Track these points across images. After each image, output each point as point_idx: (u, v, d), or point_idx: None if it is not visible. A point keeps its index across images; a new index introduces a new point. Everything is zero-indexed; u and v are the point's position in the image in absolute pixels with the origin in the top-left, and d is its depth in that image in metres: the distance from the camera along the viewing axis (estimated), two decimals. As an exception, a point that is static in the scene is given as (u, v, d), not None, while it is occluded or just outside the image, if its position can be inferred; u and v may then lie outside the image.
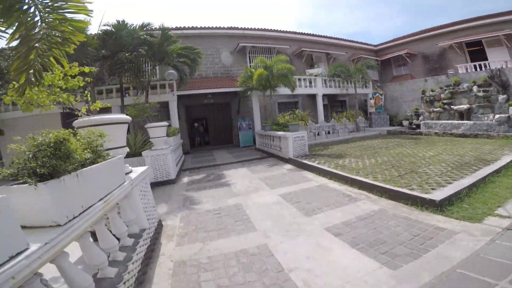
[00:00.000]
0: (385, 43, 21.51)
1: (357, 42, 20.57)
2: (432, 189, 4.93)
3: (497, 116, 12.10)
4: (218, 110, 17.56)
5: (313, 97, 17.16)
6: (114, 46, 9.35)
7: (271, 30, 17.90)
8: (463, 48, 17.24)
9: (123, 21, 9.65)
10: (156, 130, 7.38)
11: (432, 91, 14.79)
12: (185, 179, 8.75)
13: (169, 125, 12.02)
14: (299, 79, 14.27)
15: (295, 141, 9.12)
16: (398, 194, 4.95)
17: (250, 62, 17.08)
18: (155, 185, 7.83)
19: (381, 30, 67.47)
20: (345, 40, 20.11)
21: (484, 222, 3.78)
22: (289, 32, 18.34)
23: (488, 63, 16.03)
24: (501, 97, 12.09)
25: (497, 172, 6.04)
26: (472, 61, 17.09)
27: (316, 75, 15.07)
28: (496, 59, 15.91)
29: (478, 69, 15.81)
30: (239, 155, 12.38)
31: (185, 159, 13.02)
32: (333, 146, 11.21)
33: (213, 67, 17.14)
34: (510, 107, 11.82)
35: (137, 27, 10.09)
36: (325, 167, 7.22)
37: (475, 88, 12.89)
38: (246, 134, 16.07)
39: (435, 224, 3.85)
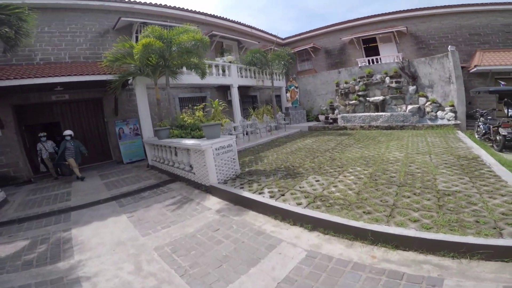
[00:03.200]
0: (292, 36, 20.36)
1: (267, 33, 18.38)
2: None
3: (409, 107, 12.02)
4: (81, 110, 11.36)
5: (223, 90, 13.63)
6: None
7: (173, 8, 13.14)
8: (361, 43, 17.79)
9: None
10: None
11: (346, 83, 13.98)
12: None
13: None
14: (210, 65, 10.34)
15: (218, 155, 5.22)
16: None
17: (139, 45, 11.94)
18: None
19: (281, 32, 74.30)
20: (258, 29, 17.49)
21: None
22: (198, 13, 14.06)
23: (380, 58, 16.90)
24: (411, 88, 12.08)
25: None
26: (367, 56, 17.81)
27: (230, 62, 11.52)
28: (387, 54, 16.94)
29: (373, 63, 16.31)
30: (118, 182, 7.35)
31: (12, 198, 6.87)
32: (265, 153, 7.95)
33: (71, 49, 11.00)
34: (420, 98, 11.88)
35: None
36: (299, 209, 3.68)
37: (387, 79, 12.58)
38: (131, 144, 10.82)
39: None
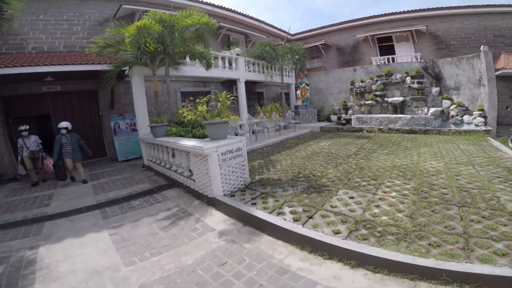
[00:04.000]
0: (302, 32, 19.38)
1: (276, 28, 17.35)
2: None
3: (432, 109, 11.02)
4: (74, 102, 10.46)
5: (228, 86, 12.68)
6: None
7: (178, -4, 12.24)
8: (375, 42, 16.79)
9: None
10: None
11: (362, 81, 12.99)
12: None
13: None
14: (216, 57, 9.41)
15: (225, 161, 4.27)
16: None
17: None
18: None
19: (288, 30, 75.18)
20: (267, 24, 16.44)
21: None
22: (205, 3, 13.10)
23: (396, 58, 15.89)
24: (435, 90, 11.07)
25: None
26: (381, 55, 16.81)
27: (238, 54, 10.55)
28: (403, 53, 15.93)
29: (389, 62, 15.31)
30: (107, 184, 6.42)
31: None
32: (276, 157, 6.97)
33: (67, 38, 10.23)
34: (444, 100, 10.88)
35: None
36: (342, 242, 2.72)
37: (408, 80, 11.58)
38: (127, 141, 9.92)
39: None
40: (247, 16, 15.15)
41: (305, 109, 13.34)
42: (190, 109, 6.42)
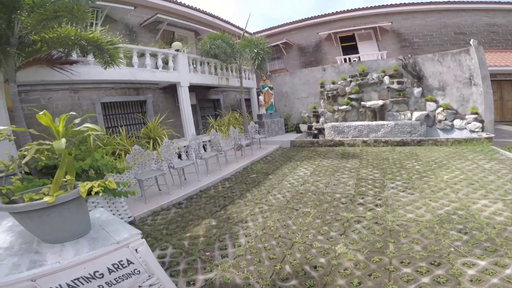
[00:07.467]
0: (262, 31, 17.14)
1: (233, 25, 14.67)
2: None
3: (416, 114, 9.45)
4: None
5: (172, 92, 9.70)
6: None
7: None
8: (338, 41, 15.30)
9: None
10: None
11: (333, 83, 11.08)
12: None
13: None
14: (143, 53, 6.49)
15: None
16: None
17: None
18: None
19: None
20: (222, 20, 13.61)
21: None
22: None
23: (359, 57, 14.59)
24: (417, 90, 9.52)
25: None
26: (344, 54, 15.40)
27: (178, 50, 7.57)
28: (367, 52, 14.70)
29: (354, 61, 13.87)
30: None
31: None
32: (238, 209, 4.28)
33: None
34: (428, 103, 9.37)
35: None
36: None
37: (386, 79, 9.90)
38: None
39: None
40: (197, 10, 12.29)
41: (270, 119, 10.96)
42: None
